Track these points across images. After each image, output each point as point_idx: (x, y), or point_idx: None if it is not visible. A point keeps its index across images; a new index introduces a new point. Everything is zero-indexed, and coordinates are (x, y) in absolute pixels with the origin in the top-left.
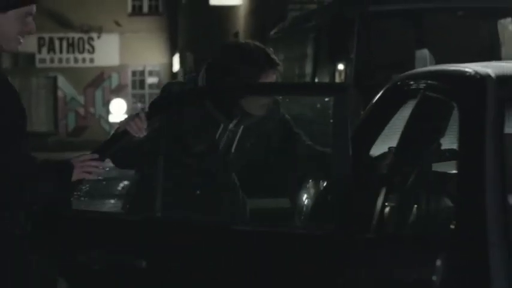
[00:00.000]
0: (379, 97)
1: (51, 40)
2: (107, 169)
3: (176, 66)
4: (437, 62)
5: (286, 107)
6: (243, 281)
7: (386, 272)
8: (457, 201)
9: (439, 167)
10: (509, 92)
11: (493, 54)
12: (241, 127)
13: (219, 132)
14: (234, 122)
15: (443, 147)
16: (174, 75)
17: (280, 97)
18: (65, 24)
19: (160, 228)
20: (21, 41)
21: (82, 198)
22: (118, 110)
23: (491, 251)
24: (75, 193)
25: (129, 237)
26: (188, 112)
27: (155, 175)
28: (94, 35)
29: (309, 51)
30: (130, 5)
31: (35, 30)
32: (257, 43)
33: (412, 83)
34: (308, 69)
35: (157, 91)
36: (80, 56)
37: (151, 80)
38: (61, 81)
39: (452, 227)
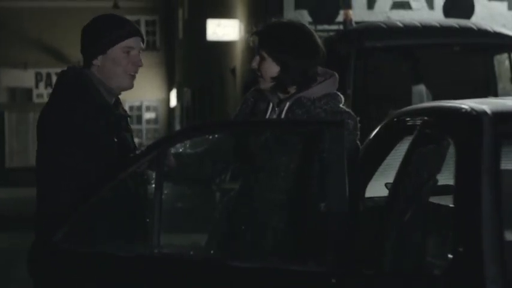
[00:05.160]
0: (376, 133)
1: (48, 75)
2: None
3: (173, 101)
4: (434, 97)
5: None
6: None
7: None
8: (453, 236)
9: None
10: (505, 128)
11: (490, 90)
12: None
13: None
14: None
15: (439, 183)
16: (171, 110)
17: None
18: (62, 59)
19: None
20: (133, 74)
21: None
22: None
23: (488, 287)
24: None
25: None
26: None
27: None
28: None
29: None
30: None
31: (141, 64)
32: None
33: (408, 119)
34: None
35: (154, 126)
36: None
37: (148, 115)
38: None
39: (449, 262)
